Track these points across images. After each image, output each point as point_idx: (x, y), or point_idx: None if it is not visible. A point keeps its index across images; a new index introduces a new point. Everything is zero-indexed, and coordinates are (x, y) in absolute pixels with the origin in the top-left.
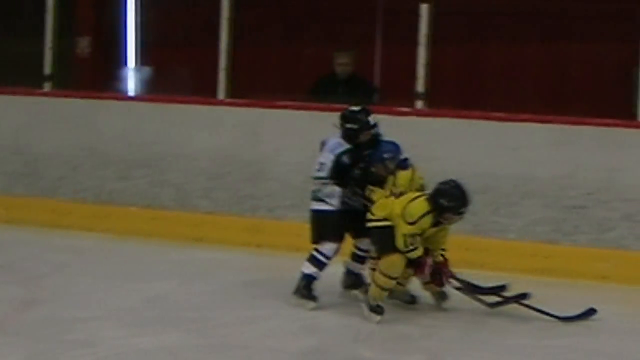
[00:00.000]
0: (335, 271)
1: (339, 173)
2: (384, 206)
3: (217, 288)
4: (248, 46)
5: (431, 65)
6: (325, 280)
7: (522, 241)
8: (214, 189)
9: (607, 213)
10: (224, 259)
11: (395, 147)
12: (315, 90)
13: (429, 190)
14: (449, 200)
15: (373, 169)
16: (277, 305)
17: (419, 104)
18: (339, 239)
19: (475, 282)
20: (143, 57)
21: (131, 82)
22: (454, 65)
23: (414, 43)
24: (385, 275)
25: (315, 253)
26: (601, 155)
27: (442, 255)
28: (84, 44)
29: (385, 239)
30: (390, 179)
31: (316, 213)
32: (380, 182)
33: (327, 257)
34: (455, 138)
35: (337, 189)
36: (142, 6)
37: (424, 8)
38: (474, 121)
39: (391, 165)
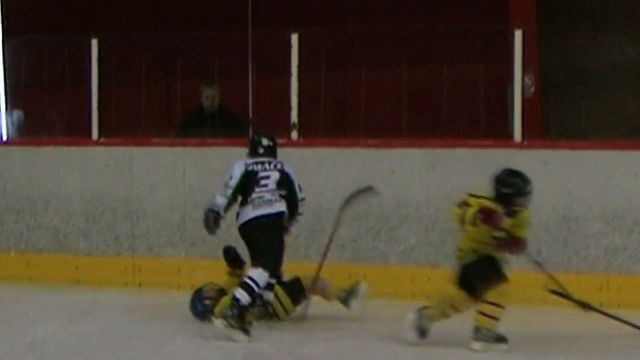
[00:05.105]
0: None
1: None
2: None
3: (98, 329)
4: (117, 84)
5: (305, 95)
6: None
7: (403, 266)
8: (90, 229)
9: None
10: (104, 300)
11: None
12: (184, 126)
13: None
14: (507, 187)
15: None
16: (159, 344)
17: (294, 134)
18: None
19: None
20: (13, 100)
21: (2, 126)
22: (327, 94)
23: (286, 73)
24: (494, 304)
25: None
26: (477, 176)
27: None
28: None
29: (482, 272)
30: None
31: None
32: None
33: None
34: (330, 167)
35: None
36: (10, 48)
37: (294, 38)
38: (348, 149)
39: None
